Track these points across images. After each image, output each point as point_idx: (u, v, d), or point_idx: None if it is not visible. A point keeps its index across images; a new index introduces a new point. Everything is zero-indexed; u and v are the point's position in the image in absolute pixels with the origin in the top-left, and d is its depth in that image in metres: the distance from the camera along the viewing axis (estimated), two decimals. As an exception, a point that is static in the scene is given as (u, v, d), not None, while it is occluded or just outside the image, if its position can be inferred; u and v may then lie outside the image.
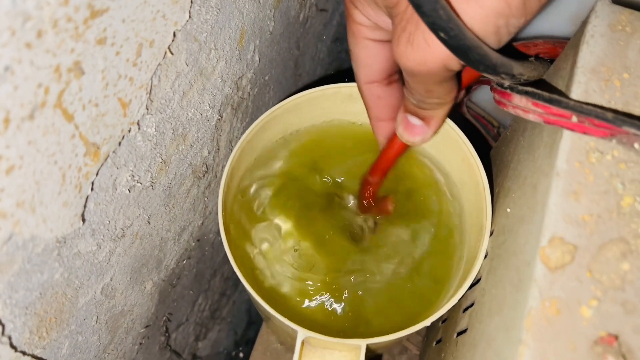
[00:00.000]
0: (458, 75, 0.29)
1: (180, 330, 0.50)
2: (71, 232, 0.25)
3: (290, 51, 0.46)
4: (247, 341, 0.65)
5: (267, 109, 0.36)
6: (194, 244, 0.43)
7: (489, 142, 0.42)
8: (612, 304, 0.21)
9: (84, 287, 0.29)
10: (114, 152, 0.26)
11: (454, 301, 0.30)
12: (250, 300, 0.65)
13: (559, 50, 0.32)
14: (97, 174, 0.25)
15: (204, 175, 0.39)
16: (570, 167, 0.24)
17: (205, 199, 0.41)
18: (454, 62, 0.23)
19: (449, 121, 0.34)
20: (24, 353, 0.26)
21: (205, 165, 0.38)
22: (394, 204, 0.37)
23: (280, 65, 0.45)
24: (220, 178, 0.42)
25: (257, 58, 0.39)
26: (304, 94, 0.35)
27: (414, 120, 0.30)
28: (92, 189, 0.25)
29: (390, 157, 0.33)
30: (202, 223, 0.43)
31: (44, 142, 0.21)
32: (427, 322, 0.29)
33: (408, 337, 0.47)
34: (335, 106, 0.37)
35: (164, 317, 0.44)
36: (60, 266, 0.26)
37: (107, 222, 0.29)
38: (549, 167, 0.25)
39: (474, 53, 0.23)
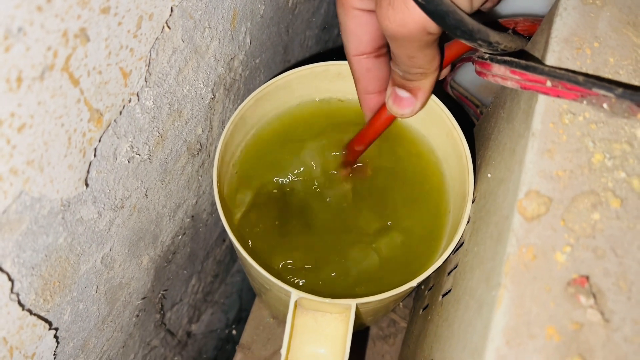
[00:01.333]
0: (440, 44, 0.31)
1: (174, 310, 0.51)
2: (75, 196, 0.27)
3: (279, 36, 0.47)
4: (239, 321, 0.66)
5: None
6: (188, 221, 0.44)
7: (473, 119, 0.44)
8: (584, 250, 0.23)
9: (85, 255, 0.31)
10: (115, 121, 0.28)
11: (438, 263, 0.31)
12: (242, 283, 0.66)
13: (537, 27, 0.34)
14: (99, 141, 0.27)
15: (198, 153, 0.40)
16: (545, 128, 0.25)
17: (199, 177, 0.43)
18: (433, 25, 0.25)
19: (433, 97, 0.36)
20: (30, 312, 0.27)
21: (199, 144, 0.39)
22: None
23: (270, 50, 0.46)
24: (213, 158, 0.43)
25: (248, 40, 0.40)
26: (294, 71, 0.37)
27: (402, 93, 0.31)
28: (94, 155, 0.27)
29: (377, 128, 0.34)
30: (196, 202, 0.44)
31: (52, 104, 0.22)
32: (413, 283, 0.31)
33: (395, 310, 0.49)
34: (324, 84, 0.39)
35: (159, 295, 0.45)
36: (64, 230, 0.27)
37: (108, 190, 0.30)
38: (525, 129, 0.26)
39: (451, 18, 0.24)
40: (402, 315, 0.49)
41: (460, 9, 0.25)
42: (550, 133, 0.25)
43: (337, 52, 0.39)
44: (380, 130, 0.34)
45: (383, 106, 0.33)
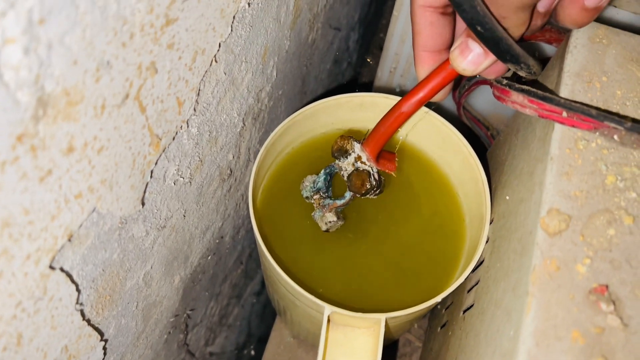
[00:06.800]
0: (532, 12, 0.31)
1: (194, 332, 0.53)
2: (133, 214, 0.29)
3: (300, 69, 0.50)
4: (249, 344, 0.68)
5: (279, 122, 0.40)
6: (214, 244, 0.46)
7: (484, 144, 0.47)
8: (602, 262, 0.25)
9: (132, 271, 0.33)
10: (168, 146, 0.30)
11: (460, 280, 0.34)
12: (252, 308, 0.68)
13: (563, 38, 0.36)
14: (156, 164, 0.29)
15: (227, 178, 0.42)
16: (562, 153, 0.28)
17: (226, 201, 0.45)
18: None
19: (449, 125, 0.39)
20: (88, 322, 0.29)
21: (229, 169, 0.42)
22: (396, 163, 0.38)
23: (291, 82, 0.49)
24: (240, 182, 0.46)
25: (275, 73, 0.43)
26: (321, 102, 0.39)
27: (474, 46, 0.29)
28: (150, 177, 0.29)
29: (432, 88, 0.32)
30: (222, 225, 0.46)
31: (124, 129, 0.25)
32: (438, 298, 0.33)
33: (411, 331, 0.51)
34: (346, 114, 0.41)
35: (185, 315, 0.47)
36: (119, 247, 0.30)
37: (156, 210, 0.32)
38: (543, 155, 0.29)
39: (504, 43, 0.27)
40: (417, 336, 0.51)
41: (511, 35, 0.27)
42: (567, 157, 0.28)
43: (345, 88, 0.42)
44: (434, 90, 0.32)
45: (440, 66, 0.32)
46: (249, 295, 0.66)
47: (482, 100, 0.48)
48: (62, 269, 0.24)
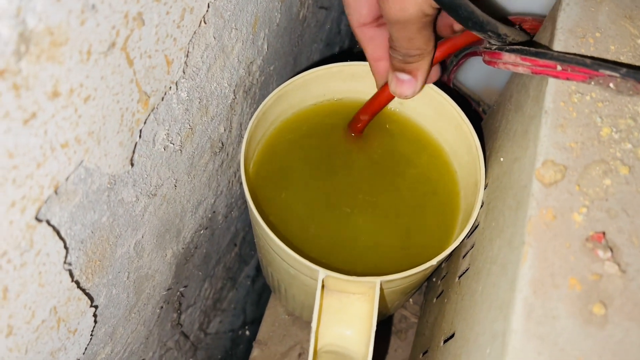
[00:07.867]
0: (434, 26, 0.33)
1: (188, 313, 0.52)
2: (122, 174, 0.28)
3: (291, 47, 0.50)
4: (245, 330, 0.67)
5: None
6: (206, 220, 0.46)
7: (476, 114, 0.47)
8: (599, 211, 0.25)
9: (122, 238, 0.32)
10: (157, 107, 0.29)
11: (456, 243, 0.33)
12: (246, 296, 0.67)
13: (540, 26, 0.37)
14: (144, 123, 0.29)
15: (219, 152, 0.42)
16: (556, 106, 0.28)
17: (218, 177, 0.44)
18: (428, 7, 0.28)
19: (442, 92, 0.38)
20: (77, 284, 0.28)
21: (221, 142, 0.41)
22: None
23: (282, 59, 0.49)
24: (233, 159, 0.45)
25: (265, 46, 0.43)
26: (311, 71, 0.39)
27: (403, 76, 0.34)
28: (139, 137, 0.29)
29: (382, 100, 0.38)
30: (214, 202, 0.46)
31: (111, 80, 0.24)
32: (434, 261, 0.33)
33: (406, 307, 0.51)
34: (338, 85, 0.41)
35: (178, 292, 0.46)
36: (108, 209, 0.29)
37: (145, 176, 0.32)
38: (537, 111, 0.29)
39: (463, 10, 0.27)
40: (412, 312, 0.50)
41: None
42: (562, 110, 0.28)
43: (338, 59, 0.42)
44: (384, 103, 0.38)
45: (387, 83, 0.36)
46: (244, 278, 0.66)
47: (472, 76, 0.47)
48: (48, 223, 0.24)
